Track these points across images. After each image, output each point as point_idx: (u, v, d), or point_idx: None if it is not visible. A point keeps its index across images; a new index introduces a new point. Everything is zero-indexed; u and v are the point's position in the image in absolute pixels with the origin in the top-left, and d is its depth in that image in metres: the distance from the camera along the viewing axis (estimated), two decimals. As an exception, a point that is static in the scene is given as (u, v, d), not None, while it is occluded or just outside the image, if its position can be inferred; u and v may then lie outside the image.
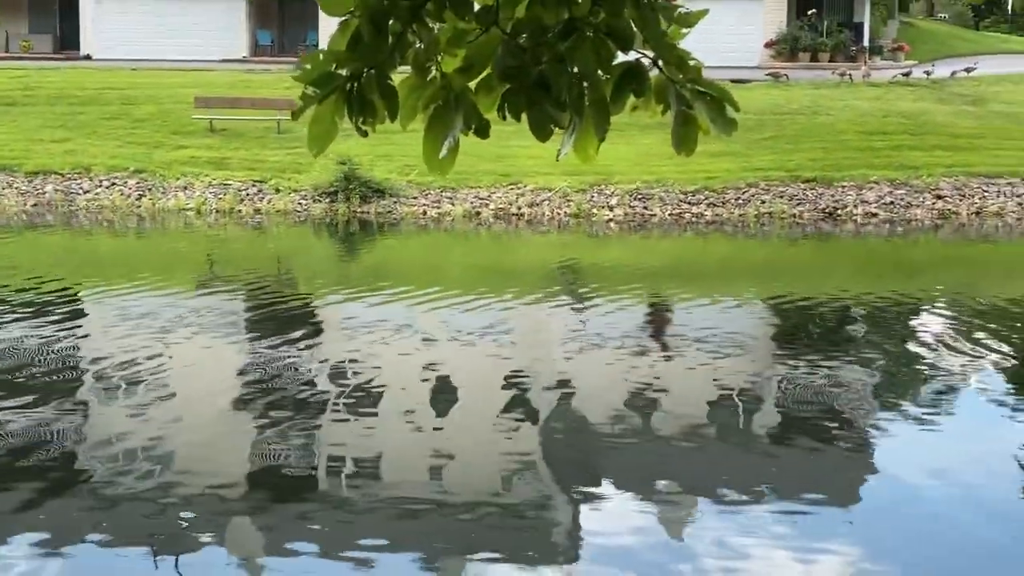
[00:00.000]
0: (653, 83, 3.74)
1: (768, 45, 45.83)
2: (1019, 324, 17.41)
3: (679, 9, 3.74)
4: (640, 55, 3.74)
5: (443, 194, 29.83)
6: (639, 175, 29.89)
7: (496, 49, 3.53)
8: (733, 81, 37.65)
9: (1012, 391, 13.96)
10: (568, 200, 29.41)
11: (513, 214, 29.18)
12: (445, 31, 3.56)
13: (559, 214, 29.05)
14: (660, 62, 3.70)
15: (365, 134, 3.56)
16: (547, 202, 29.52)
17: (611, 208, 29.23)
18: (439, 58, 3.58)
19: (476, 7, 3.56)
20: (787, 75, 39.27)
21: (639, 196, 29.54)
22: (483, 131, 3.58)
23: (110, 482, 10.49)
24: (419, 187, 29.75)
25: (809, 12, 46.58)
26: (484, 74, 3.60)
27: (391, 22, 3.42)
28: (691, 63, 3.72)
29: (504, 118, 3.60)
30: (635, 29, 3.65)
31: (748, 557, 8.94)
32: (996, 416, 12.92)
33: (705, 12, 3.92)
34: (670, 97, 3.71)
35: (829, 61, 44.67)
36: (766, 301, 19.93)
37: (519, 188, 30.03)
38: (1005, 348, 15.71)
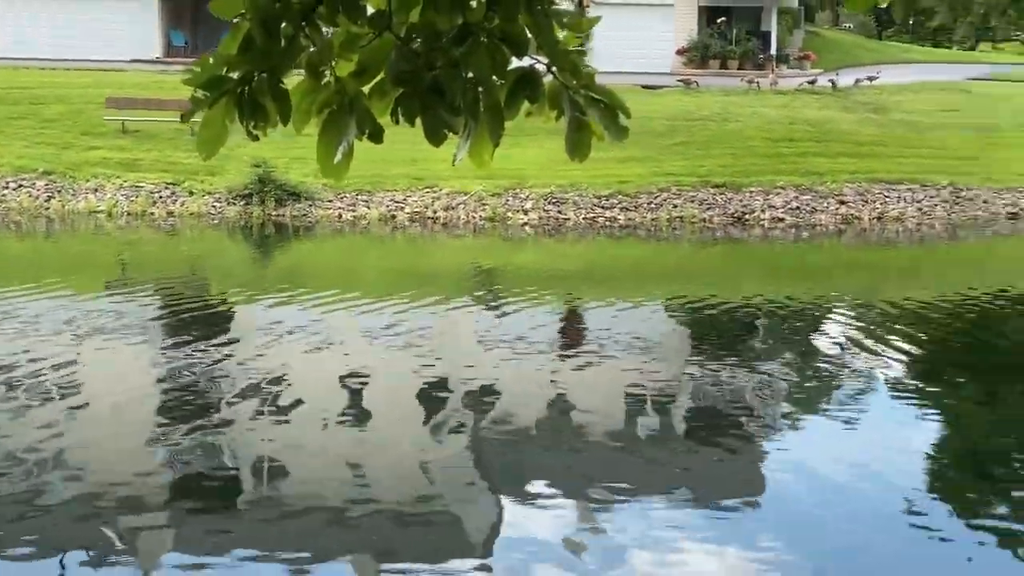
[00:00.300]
0: (547, 89, 3.79)
1: (679, 52, 46.32)
2: (917, 327, 17.74)
3: (586, 11, 3.80)
4: (535, 61, 3.79)
5: (359, 197, 29.73)
6: (553, 179, 30.04)
7: (390, 54, 3.56)
8: (645, 87, 38.13)
9: (910, 393, 14.24)
10: (483, 204, 29.48)
11: (429, 218, 29.19)
12: (338, 35, 3.57)
13: (475, 218, 29.11)
14: (554, 68, 3.76)
15: (256, 138, 3.56)
16: (463, 206, 29.57)
17: (526, 212, 29.35)
18: (333, 62, 3.59)
19: (369, 11, 3.59)
20: (697, 82, 39.71)
21: (553, 200, 29.70)
22: (377, 136, 3.60)
23: (8, 489, 10.31)
24: (334, 190, 29.60)
25: (719, 20, 47.15)
26: (378, 78, 3.63)
27: (283, 25, 3.43)
28: (585, 70, 3.79)
29: (397, 122, 3.63)
30: (530, 35, 3.70)
31: (660, 556, 9.04)
32: (896, 418, 13.15)
33: (598, 19, 3.99)
34: (564, 103, 3.76)
35: (738, 69, 45.26)
36: (678, 304, 20.14)
37: (435, 191, 30.04)
38: (904, 351, 16.02)
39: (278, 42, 3.44)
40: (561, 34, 3.75)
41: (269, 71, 3.45)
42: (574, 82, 3.75)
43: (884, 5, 4.42)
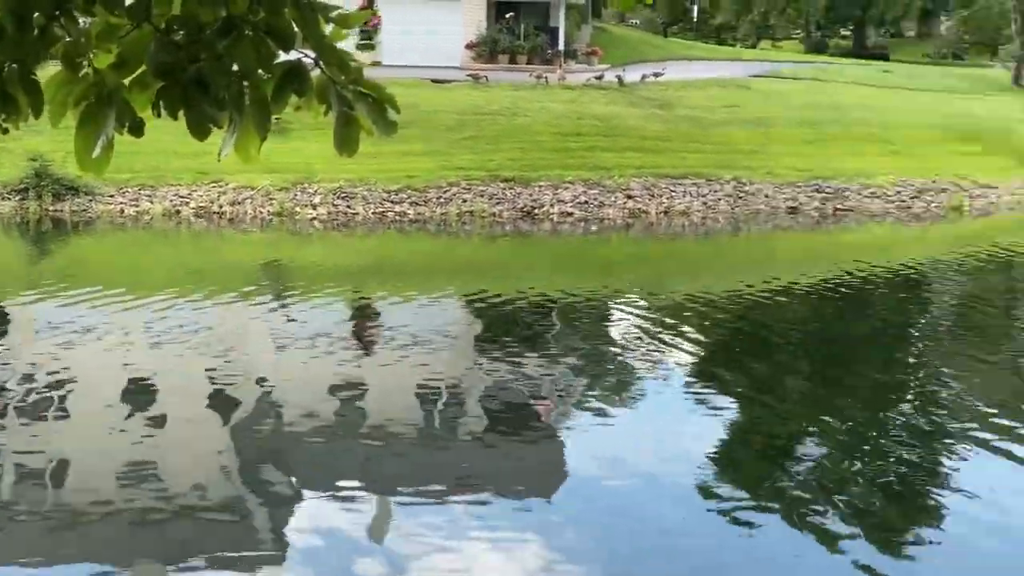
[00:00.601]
0: (315, 83, 3.76)
1: (469, 47, 46.51)
2: (699, 319, 18.28)
3: (339, 10, 3.78)
4: (302, 55, 3.75)
5: (141, 192, 28.98)
6: (342, 173, 29.82)
7: (150, 45, 3.47)
8: (435, 81, 38.21)
9: (695, 384, 14.62)
10: (271, 198, 29.08)
11: (215, 212, 28.63)
12: (96, 25, 3.46)
13: (262, 212, 28.68)
14: (322, 62, 3.73)
15: (6, 131, 3.43)
16: (249, 200, 29.10)
17: (314, 207, 29.07)
18: (91, 53, 3.48)
19: (128, 1, 3.49)
20: (487, 76, 39.97)
21: (342, 195, 29.50)
22: (137, 129, 3.51)
23: None
24: (116, 184, 28.76)
25: (507, 15, 47.50)
26: (140, 71, 3.53)
27: (35, 15, 3.31)
28: (352, 64, 3.77)
29: (159, 116, 3.54)
30: (296, 29, 3.66)
31: (444, 554, 9.07)
32: (682, 409, 13.48)
33: (368, 13, 3.99)
34: (332, 98, 3.74)
35: (527, 64, 45.66)
36: (467, 299, 20.26)
37: (220, 186, 29.48)
38: (687, 342, 16.49)
39: (30, 32, 3.32)
40: (328, 28, 3.73)
41: (20, 62, 3.32)
42: (342, 77, 3.73)
43: (650, 2, 4.53)
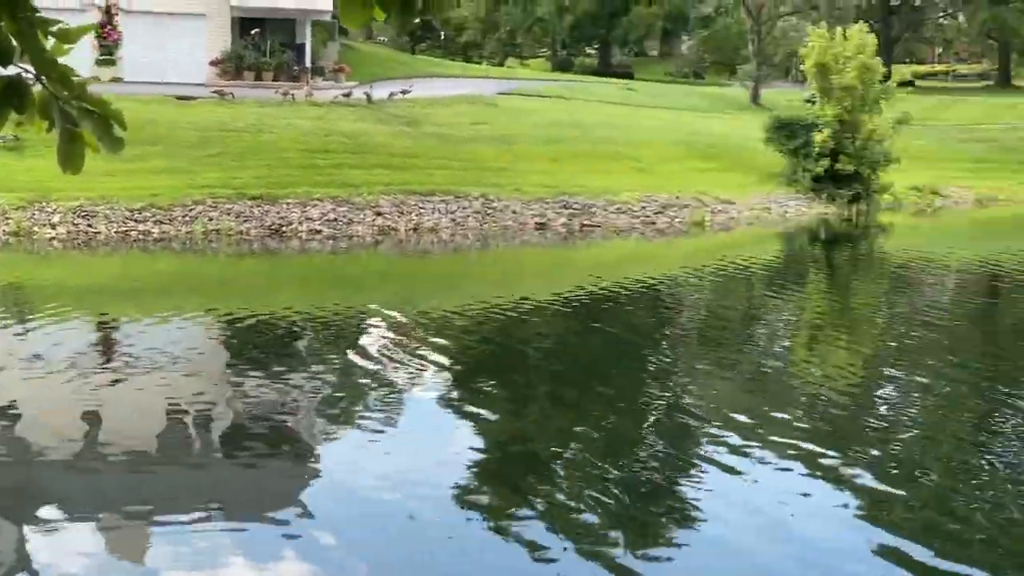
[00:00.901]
0: (37, 99, 3.70)
1: (214, 63, 45.76)
2: (448, 335, 18.43)
3: (60, 24, 3.72)
4: (23, 70, 3.69)
5: None
6: (83, 192, 28.89)
7: None
8: (179, 98, 37.52)
9: (443, 401, 14.55)
10: (7, 217, 27.94)
11: (-56, 233, 27.30)
12: None
13: (-4, 232, 27.51)
14: (43, 78, 3.67)
15: None
16: (-18, 220, 27.88)
17: (53, 226, 28.07)
18: None
19: None
20: (232, 93, 39.42)
21: (83, 213, 28.58)
22: None
23: None
24: None
25: (253, 32, 46.96)
26: None
27: None
28: (75, 79, 3.73)
29: None
30: (15, 42, 3.60)
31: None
32: (430, 426, 13.49)
33: (90, 28, 3.94)
34: (55, 114, 3.69)
35: (273, 80, 45.27)
36: (213, 318, 19.89)
37: (-49, 206, 28.16)
38: (437, 359, 16.48)
39: None
40: (49, 42, 3.68)
41: None
42: (65, 92, 3.68)
43: (381, 20, 4.60)
